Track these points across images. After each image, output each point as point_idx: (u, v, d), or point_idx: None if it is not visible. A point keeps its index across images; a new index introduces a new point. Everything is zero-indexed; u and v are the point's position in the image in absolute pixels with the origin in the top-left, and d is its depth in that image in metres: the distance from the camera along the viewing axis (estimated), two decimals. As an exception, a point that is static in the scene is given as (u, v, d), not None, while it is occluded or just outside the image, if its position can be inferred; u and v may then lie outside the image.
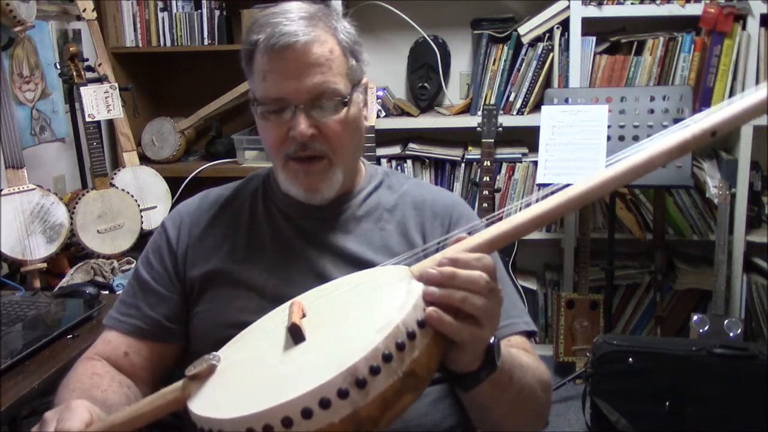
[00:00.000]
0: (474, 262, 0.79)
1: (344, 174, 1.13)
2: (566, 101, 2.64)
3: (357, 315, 0.82)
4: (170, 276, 1.17)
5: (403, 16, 2.93)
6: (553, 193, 0.80)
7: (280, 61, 1.05)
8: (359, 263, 1.10)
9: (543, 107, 2.64)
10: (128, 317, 1.16)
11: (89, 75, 2.52)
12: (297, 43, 1.04)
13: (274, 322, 0.91)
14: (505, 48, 2.87)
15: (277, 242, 1.15)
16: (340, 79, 1.07)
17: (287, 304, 0.94)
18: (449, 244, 0.84)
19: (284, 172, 1.11)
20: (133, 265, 2.33)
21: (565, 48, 2.80)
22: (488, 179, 2.71)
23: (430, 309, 0.77)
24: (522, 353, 1.04)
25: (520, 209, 0.80)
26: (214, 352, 0.87)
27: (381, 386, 0.70)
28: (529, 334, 1.15)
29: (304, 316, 0.86)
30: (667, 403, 2.15)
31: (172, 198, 2.69)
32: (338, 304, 0.87)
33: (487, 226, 0.84)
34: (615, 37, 2.84)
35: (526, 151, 2.95)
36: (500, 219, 0.83)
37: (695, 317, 2.56)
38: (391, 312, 0.75)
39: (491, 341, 0.85)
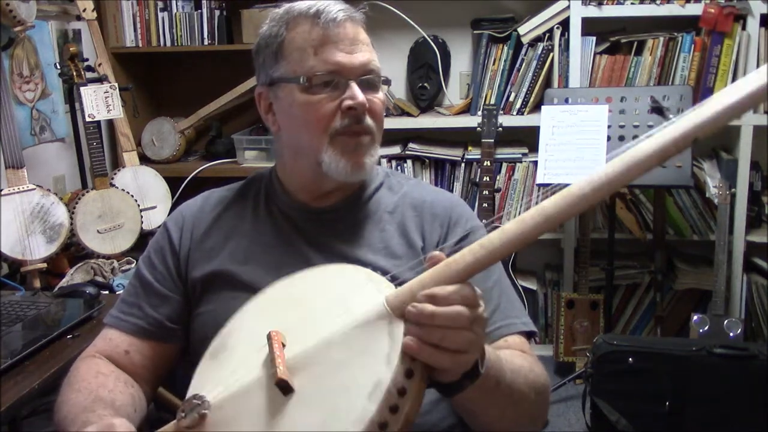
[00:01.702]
0: (453, 297, 0.77)
1: (376, 159, 1.15)
2: (566, 101, 2.64)
3: (343, 362, 0.80)
4: (172, 276, 1.17)
5: (403, 16, 2.93)
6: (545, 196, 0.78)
7: (337, 33, 1.08)
8: (360, 265, 1.10)
9: (543, 107, 2.64)
10: (130, 316, 1.16)
11: (89, 75, 2.52)
12: (352, 19, 1.10)
13: (252, 347, 0.88)
14: (505, 48, 2.87)
15: (280, 244, 1.16)
16: (378, 63, 1.13)
17: (258, 303, 0.94)
18: (427, 265, 0.81)
19: (331, 149, 1.10)
20: (133, 266, 2.33)
21: (565, 48, 2.80)
22: (488, 179, 2.71)
23: (408, 339, 0.76)
24: (516, 355, 1.03)
25: (521, 211, 0.79)
26: (202, 396, 0.86)
27: None
28: (528, 335, 1.14)
29: (284, 346, 0.85)
30: (667, 403, 2.15)
31: (172, 198, 2.69)
32: (319, 338, 0.83)
33: (489, 230, 0.82)
34: (615, 37, 2.84)
35: (526, 151, 2.95)
36: (500, 220, 0.81)
37: (695, 317, 2.56)
38: (378, 366, 0.75)
39: None
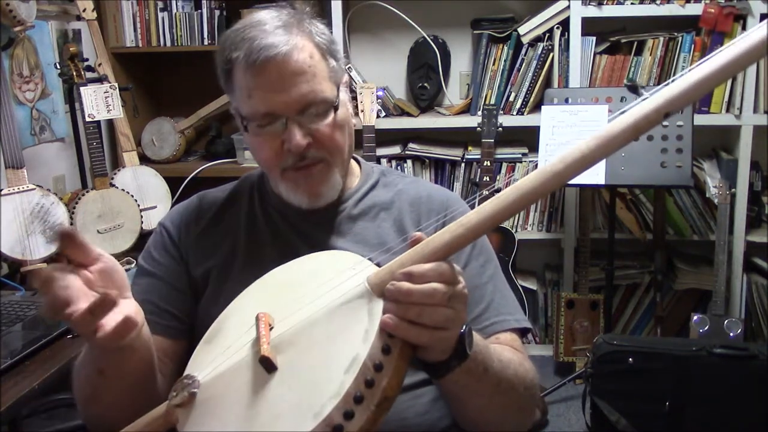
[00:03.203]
0: (429, 274, 0.78)
1: (341, 174, 1.14)
2: (566, 101, 2.64)
3: (324, 340, 0.83)
4: (180, 269, 1.16)
5: (403, 16, 2.93)
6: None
7: (263, 76, 1.03)
8: None
9: (543, 107, 2.64)
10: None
11: (89, 75, 2.52)
12: (278, 56, 1.03)
13: (242, 329, 0.91)
14: (505, 48, 2.87)
15: (276, 243, 1.16)
16: (325, 84, 1.07)
17: (253, 290, 0.96)
18: (408, 245, 0.83)
19: (284, 183, 1.11)
20: (133, 265, 2.33)
21: (565, 48, 2.80)
22: (488, 179, 2.71)
23: (386, 317, 0.78)
24: (506, 349, 1.04)
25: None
26: (193, 376, 0.89)
27: (357, 425, 0.74)
28: (522, 332, 1.14)
29: (271, 328, 0.87)
30: (667, 403, 2.15)
31: (172, 198, 2.69)
32: (304, 318, 0.86)
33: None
34: (615, 37, 2.84)
35: (526, 151, 2.95)
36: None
37: (695, 317, 2.56)
38: (356, 342, 0.77)
39: (461, 330, 0.85)
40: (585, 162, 0.75)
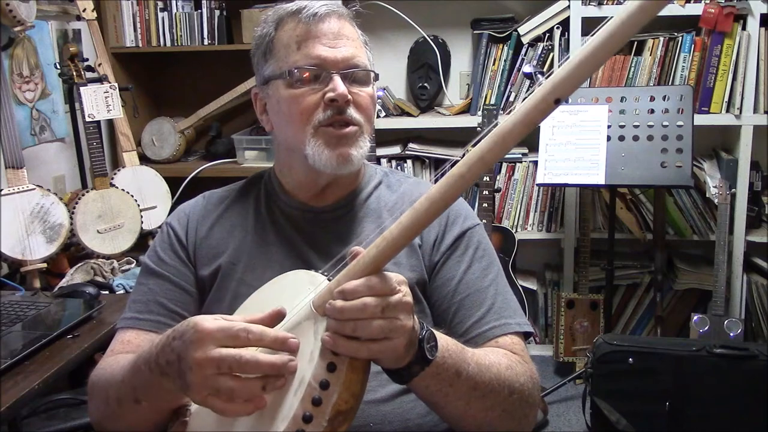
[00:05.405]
0: (359, 289, 0.80)
1: (366, 150, 1.14)
2: (566, 101, 2.64)
3: None
4: (189, 269, 1.16)
5: (403, 16, 2.93)
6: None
7: (320, 27, 1.10)
8: None
9: (543, 107, 2.64)
10: (149, 314, 1.13)
11: (89, 75, 2.52)
12: (336, 14, 1.12)
13: None
14: (505, 48, 2.87)
15: (281, 244, 1.16)
16: (367, 60, 1.15)
17: (240, 310, 0.99)
18: (348, 261, 0.85)
19: (315, 140, 1.09)
20: (133, 266, 2.33)
21: (565, 48, 2.80)
22: (488, 179, 2.71)
23: (324, 335, 0.81)
24: (495, 353, 1.03)
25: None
26: (187, 406, 0.94)
27: None
28: (524, 336, 1.13)
29: None
30: (667, 403, 2.15)
31: (172, 198, 2.69)
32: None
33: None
34: (615, 37, 2.84)
35: (526, 151, 2.95)
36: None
37: (695, 317, 2.56)
38: (303, 364, 0.81)
39: (420, 335, 0.86)
40: (485, 162, 0.77)
